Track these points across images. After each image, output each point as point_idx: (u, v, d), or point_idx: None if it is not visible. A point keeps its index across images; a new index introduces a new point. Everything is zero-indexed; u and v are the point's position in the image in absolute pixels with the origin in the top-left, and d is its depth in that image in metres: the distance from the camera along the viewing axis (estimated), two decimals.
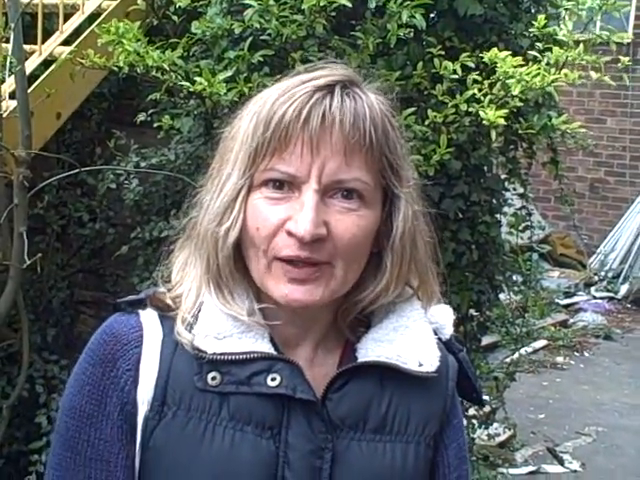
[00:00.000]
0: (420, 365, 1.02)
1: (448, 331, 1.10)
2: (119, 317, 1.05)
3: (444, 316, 1.11)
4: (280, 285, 0.95)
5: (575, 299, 7.69)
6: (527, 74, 2.18)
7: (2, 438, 3.00)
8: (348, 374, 1.00)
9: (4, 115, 2.91)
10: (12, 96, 2.99)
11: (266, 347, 0.98)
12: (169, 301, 1.03)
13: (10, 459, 3.19)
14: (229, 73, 2.74)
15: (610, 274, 8.10)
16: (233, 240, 0.97)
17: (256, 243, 0.96)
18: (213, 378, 0.97)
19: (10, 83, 2.97)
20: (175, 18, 3.11)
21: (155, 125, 3.06)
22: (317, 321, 1.02)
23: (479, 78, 2.47)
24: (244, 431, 0.96)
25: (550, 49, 2.39)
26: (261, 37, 2.81)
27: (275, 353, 0.99)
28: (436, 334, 1.08)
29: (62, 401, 1.04)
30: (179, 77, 2.82)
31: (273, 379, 0.96)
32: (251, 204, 0.97)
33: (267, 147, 0.96)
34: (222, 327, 0.99)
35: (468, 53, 2.62)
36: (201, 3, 3.04)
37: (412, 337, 1.03)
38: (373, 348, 1.02)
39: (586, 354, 6.54)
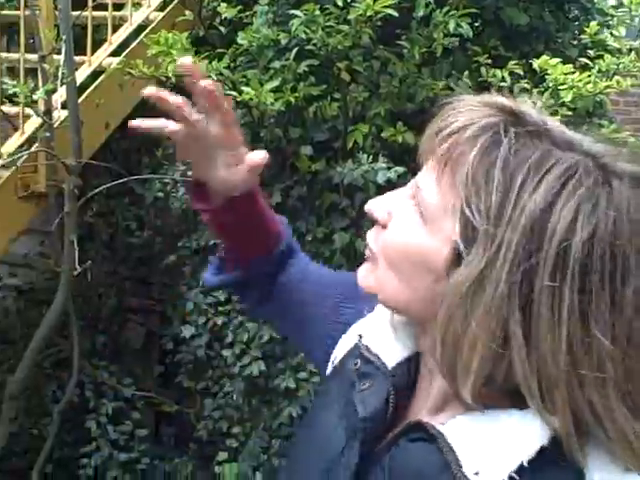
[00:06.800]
0: (476, 474, 0.79)
1: None
2: None
3: None
4: None
5: None
6: (579, 81, 2.16)
7: (53, 442, 3.05)
8: (423, 432, 0.85)
9: (55, 125, 2.96)
10: (62, 106, 3.04)
11: (391, 360, 0.92)
12: None
13: (60, 463, 3.24)
14: (276, 83, 2.77)
15: None
16: None
17: None
18: (355, 363, 0.96)
19: (60, 93, 3.02)
20: (222, 29, 3.16)
21: None
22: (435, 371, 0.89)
23: (528, 86, 2.47)
24: (341, 426, 0.94)
25: (601, 57, 2.38)
26: (306, 47, 2.82)
27: (388, 367, 0.92)
28: None
29: None
30: (226, 87, 2.86)
31: (363, 384, 0.93)
32: None
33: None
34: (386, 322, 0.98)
35: (516, 61, 2.61)
36: (247, 14, 3.08)
37: (498, 441, 0.80)
38: (454, 425, 0.84)
39: None
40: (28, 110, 2.97)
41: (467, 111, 0.83)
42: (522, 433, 0.79)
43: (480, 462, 0.80)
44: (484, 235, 0.76)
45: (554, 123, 0.82)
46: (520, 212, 0.75)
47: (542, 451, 0.77)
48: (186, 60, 0.97)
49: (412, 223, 0.85)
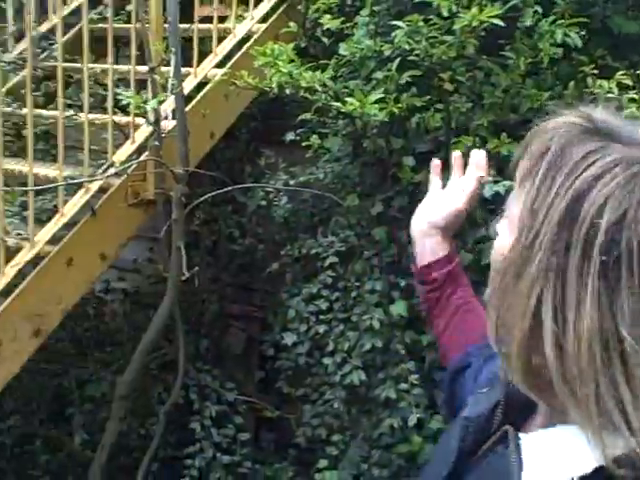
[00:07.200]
0: None
1: None
2: None
3: None
4: None
5: None
6: None
7: (158, 442, 3.15)
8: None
9: (163, 134, 3.04)
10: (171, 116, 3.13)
11: None
12: None
13: (164, 463, 3.34)
14: (379, 94, 2.78)
15: None
16: None
17: None
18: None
19: (168, 103, 3.11)
20: (324, 40, 3.19)
21: (304, 144, 3.14)
22: None
23: (636, 97, 2.41)
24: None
25: None
26: (409, 58, 2.82)
27: (507, 377, 0.93)
28: None
29: None
30: (329, 97, 2.89)
31: (484, 388, 1.00)
32: None
33: None
34: None
35: (623, 71, 2.56)
36: (348, 25, 3.10)
37: (560, 455, 0.81)
38: (536, 435, 0.87)
39: None
40: (137, 119, 3.07)
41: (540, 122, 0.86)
42: (583, 449, 0.78)
43: (538, 472, 0.81)
44: (524, 228, 0.79)
45: (629, 123, 0.82)
46: (557, 204, 0.77)
47: (598, 471, 0.76)
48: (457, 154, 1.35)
49: (504, 233, 0.88)
